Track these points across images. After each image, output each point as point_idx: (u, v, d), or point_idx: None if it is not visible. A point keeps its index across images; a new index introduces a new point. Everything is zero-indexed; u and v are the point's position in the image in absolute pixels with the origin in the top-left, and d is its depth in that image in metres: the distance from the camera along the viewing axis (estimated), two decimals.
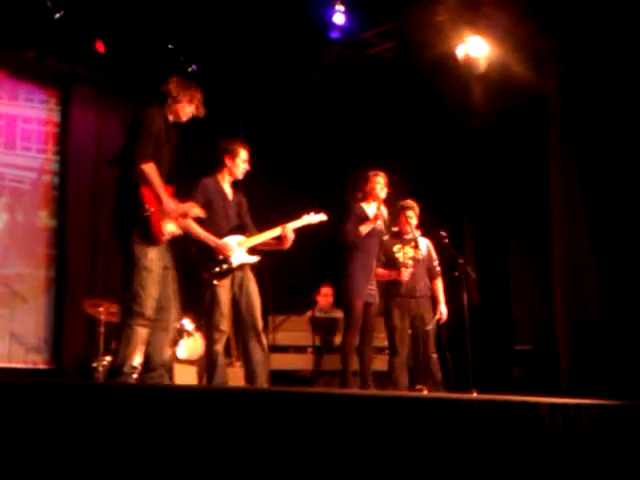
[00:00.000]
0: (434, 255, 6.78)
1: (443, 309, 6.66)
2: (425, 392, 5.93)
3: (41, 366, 8.17)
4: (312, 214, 5.73)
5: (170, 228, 4.52)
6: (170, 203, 4.47)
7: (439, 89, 7.97)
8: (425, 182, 8.48)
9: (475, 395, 5.59)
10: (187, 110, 4.70)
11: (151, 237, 4.37)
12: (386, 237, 6.50)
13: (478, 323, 7.21)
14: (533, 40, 7.49)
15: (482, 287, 8.21)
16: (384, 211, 6.37)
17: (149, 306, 4.36)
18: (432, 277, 6.69)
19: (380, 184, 6.32)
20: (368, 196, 6.33)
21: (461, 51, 7.74)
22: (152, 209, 4.35)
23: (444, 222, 7.44)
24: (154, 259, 4.39)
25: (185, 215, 4.75)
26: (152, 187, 4.37)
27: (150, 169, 4.36)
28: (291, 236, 5.45)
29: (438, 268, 6.76)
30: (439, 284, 6.76)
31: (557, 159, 7.34)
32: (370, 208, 6.33)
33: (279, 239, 5.48)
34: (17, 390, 2.63)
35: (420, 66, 8.14)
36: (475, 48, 7.68)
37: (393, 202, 6.57)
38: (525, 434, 4.15)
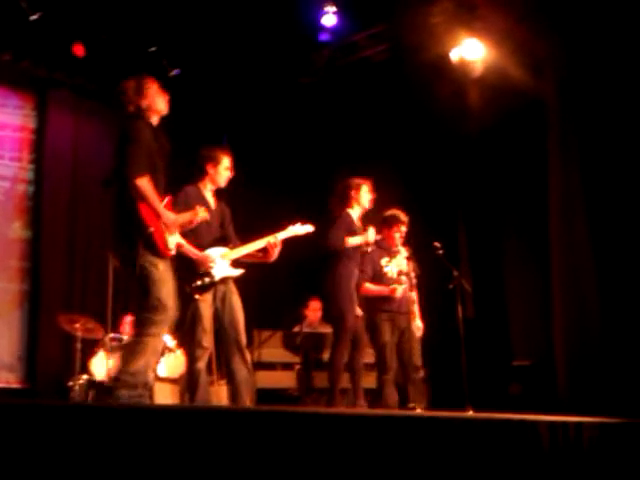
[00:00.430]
0: (411, 266, 6.53)
1: (419, 323, 6.48)
2: (418, 410, 5.79)
3: (14, 385, 8.00)
4: (298, 225, 5.55)
5: (174, 240, 4.43)
6: (169, 216, 4.37)
7: (433, 93, 7.90)
8: (418, 190, 8.43)
9: (471, 413, 5.53)
10: (160, 101, 4.55)
11: (158, 252, 4.29)
12: (370, 248, 6.26)
13: (474, 338, 7.08)
14: (531, 43, 7.41)
15: (478, 300, 8.15)
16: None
17: (166, 316, 4.25)
18: (410, 289, 6.47)
19: (367, 192, 6.16)
20: (352, 202, 6.14)
21: (456, 54, 7.69)
22: (152, 226, 4.26)
23: (438, 232, 7.35)
24: (165, 270, 4.30)
25: (184, 226, 4.63)
26: (148, 202, 4.25)
27: (144, 184, 4.23)
28: (278, 247, 5.28)
29: (415, 280, 6.53)
30: (414, 297, 6.54)
31: (556, 166, 7.27)
32: (354, 214, 6.15)
33: (264, 251, 5.31)
34: None
35: (413, 69, 8.04)
36: (471, 51, 7.62)
37: (380, 209, 6.41)
38: (523, 453, 4.06)
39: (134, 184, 4.20)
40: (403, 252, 6.37)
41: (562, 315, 7.03)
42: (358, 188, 6.12)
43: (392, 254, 6.40)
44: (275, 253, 5.28)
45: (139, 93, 4.45)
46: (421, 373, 6.35)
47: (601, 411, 5.30)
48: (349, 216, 6.09)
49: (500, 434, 4.01)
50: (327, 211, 6.28)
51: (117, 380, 4.22)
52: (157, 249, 4.26)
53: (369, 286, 6.24)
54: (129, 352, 4.27)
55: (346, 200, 6.16)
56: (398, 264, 6.35)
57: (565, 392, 6.85)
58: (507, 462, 3.94)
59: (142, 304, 4.26)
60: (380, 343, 6.23)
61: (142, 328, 4.24)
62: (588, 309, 6.85)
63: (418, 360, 6.33)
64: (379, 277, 6.32)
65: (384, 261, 6.35)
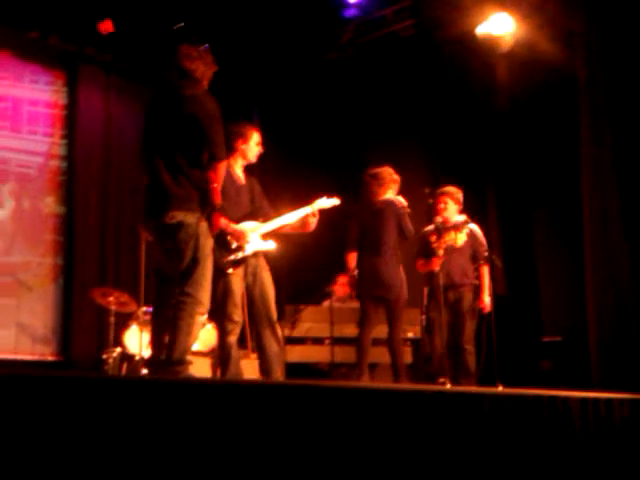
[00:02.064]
0: (481, 240, 6.49)
1: (485, 298, 6.40)
2: (448, 386, 5.69)
3: (49, 358, 8.10)
4: (324, 198, 5.50)
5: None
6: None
7: (462, 68, 7.81)
8: (448, 165, 8.26)
9: (501, 389, 5.41)
10: None
11: (212, 228, 4.34)
12: (431, 227, 6.35)
13: (504, 314, 7.00)
14: (561, 16, 7.25)
15: (508, 276, 8.05)
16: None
17: (208, 295, 4.29)
18: (478, 263, 6.44)
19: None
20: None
21: (485, 29, 7.54)
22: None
23: (468, 208, 7.17)
24: (212, 250, 4.34)
25: None
26: (219, 182, 4.32)
27: (224, 167, 4.35)
28: (316, 217, 5.28)
29: (485, 254, 6.45)
30: (484, 271, 6.48)
31: (588, 140, 7.13)
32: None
33: (301, 223, 5.28)
34: (25, 383, 2.51)
35: (442, 44, 7.95)
36: (500, 25, 7.48)
37: (412, 185, 6.36)
38: (554, 430, 4.04)
39: (218, 166, 4.23)
40: (465, 227, 6.24)
41: (594, 290, 6.95)
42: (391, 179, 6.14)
43: (444, 230, 6.25)
44: (313, 223, 5.27)
45: (206, 71, 4.39)
46: (470, 348, 6.25)
47: (633, 388, 5.26)
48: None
49: (530, 410, 3.99)
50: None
51: (168, 360, 4.20)
52: (213, 225, 4.30)
53: (419, 263, 6.36)
54: (177, 329, 4.22)
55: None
56: (450, 239, 6.17)
57: (597, 368, 6.79)
58: (537, 439, 3.92)
59: (186, 280, 4.21)
60: (427, 318, 6.30)
61: (189, 306, 4.19)
62: (621, 284, 6.79)
63: (469, 334, 6.28)
64: (430, 253, 6.21)
65: (433, 238, 6.26)
